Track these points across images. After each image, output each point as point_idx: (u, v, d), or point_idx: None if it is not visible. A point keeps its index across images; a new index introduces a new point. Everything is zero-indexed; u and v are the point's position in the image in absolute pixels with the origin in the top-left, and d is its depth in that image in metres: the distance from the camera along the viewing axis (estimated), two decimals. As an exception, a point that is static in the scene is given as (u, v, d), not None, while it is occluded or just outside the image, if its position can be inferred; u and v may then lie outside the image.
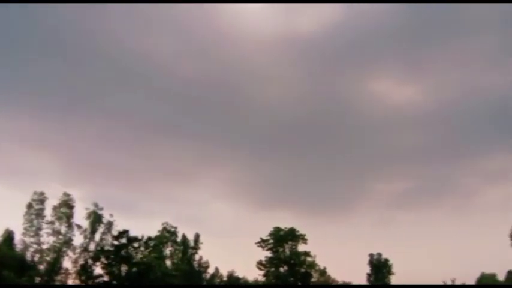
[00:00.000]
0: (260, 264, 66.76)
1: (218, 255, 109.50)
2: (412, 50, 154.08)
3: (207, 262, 77.49)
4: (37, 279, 54.93)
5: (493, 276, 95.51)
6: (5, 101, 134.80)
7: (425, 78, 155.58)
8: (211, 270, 78.28)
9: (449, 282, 73.99)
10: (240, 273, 78.42)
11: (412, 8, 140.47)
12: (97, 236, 61.13)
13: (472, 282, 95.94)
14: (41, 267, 56.72)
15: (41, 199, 58.84)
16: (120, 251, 52.97)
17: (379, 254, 79.30)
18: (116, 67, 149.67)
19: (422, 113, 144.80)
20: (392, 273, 77.84)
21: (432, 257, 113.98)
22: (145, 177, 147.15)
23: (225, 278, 78.90)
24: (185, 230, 77.80)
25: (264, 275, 66.32)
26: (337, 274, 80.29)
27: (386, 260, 78.55)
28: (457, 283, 76.74)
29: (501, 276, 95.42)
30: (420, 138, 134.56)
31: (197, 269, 75.58)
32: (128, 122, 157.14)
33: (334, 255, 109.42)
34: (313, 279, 69.33)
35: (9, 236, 56.53)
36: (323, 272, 75.73)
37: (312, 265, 66.68)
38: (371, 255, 79.90)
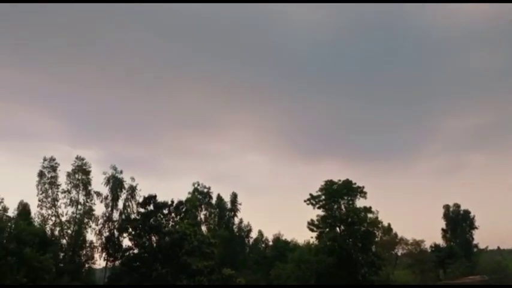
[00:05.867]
0: (312, 225, 67.77)
1: (259, 216, 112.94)
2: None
3: (248, 225, 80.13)
4: (60, 255, 59.20)
5: None
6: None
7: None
8: (253, 234, 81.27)
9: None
10: (287, 236, 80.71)
11: None
12: (120, 204, 64.31)
13: None
14: (63, 241, 60.83)
15: (52, 166, 61.58)
16: (148, 219, 55.35)
17: (457, 206, 78.43)
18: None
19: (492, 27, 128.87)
20: (475, 227, 77.19)
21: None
22: (163, 129, 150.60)
23: (270, 243, 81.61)
24: (218, 189, 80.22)
25: (317, 237, 67.56)
26: (404, 232, 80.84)
27: (466, 212, 77.68)
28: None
29: None
30: (497, 59, 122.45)
31: (237, 233, 78.47)
32: (136, 65, 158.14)
33: (398, 210, 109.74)
34: (376, 239, 70.18)
35: (24, 209, 60.47)
36: (388, 230, 76.32)
37: (375, 222, 67.01)
38: (446, 207, 79.19)
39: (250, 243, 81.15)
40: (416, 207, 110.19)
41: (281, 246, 76.08)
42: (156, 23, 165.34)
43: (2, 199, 59.61)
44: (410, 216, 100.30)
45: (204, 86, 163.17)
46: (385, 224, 74.10)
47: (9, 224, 51.89)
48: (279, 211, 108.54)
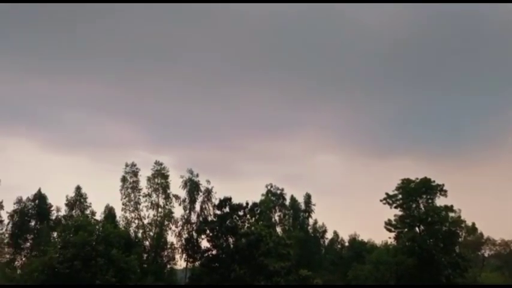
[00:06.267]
0: (389, 225, 66.38)
1: (334, 217, 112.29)
2: None
3: (323, 226, 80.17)
4: (144, 256, 62.84)
5: None
6: (62, 64, 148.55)
7: None
8: (329, 235, 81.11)
9: None
10: (363, 236, 79.73)
11: None
12: (197, 206, 67.07)
13: None
14: (146, 243, 64.56)
15: (133, 171, 65.69)
16: (224, 221, 57.28)
17: (551, 202, 73.18)
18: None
19: None
20: None
21: None
22: (235, 133, 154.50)
23: (346, 243, 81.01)
24: (291, 191, 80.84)
25: (395, 238, 66.09)
26: (491, 231, 76.75)
27: (562, 209, 72.23)
28: None
29: None
30: None
31: (312, 234, 78.70)
32: (203, 73, 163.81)
33: (482, 208, 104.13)
34: (460, 239, 67.34)
35: (110, 212, 64.97)
36: (472, 230, 72.96)
37: (457, 222, 64.31)
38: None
39: (326, 244, 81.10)
40: (503, 205, 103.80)
41: (357, 246, 75.34)
42: (227, 27, 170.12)
43: (90, 203, 64.87)
44: (497, 215, 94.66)
45: (273, 88, 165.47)
46: (469, 223, 70.97)
47: (97, 227, 55.92)
48: (353, 211, 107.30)
